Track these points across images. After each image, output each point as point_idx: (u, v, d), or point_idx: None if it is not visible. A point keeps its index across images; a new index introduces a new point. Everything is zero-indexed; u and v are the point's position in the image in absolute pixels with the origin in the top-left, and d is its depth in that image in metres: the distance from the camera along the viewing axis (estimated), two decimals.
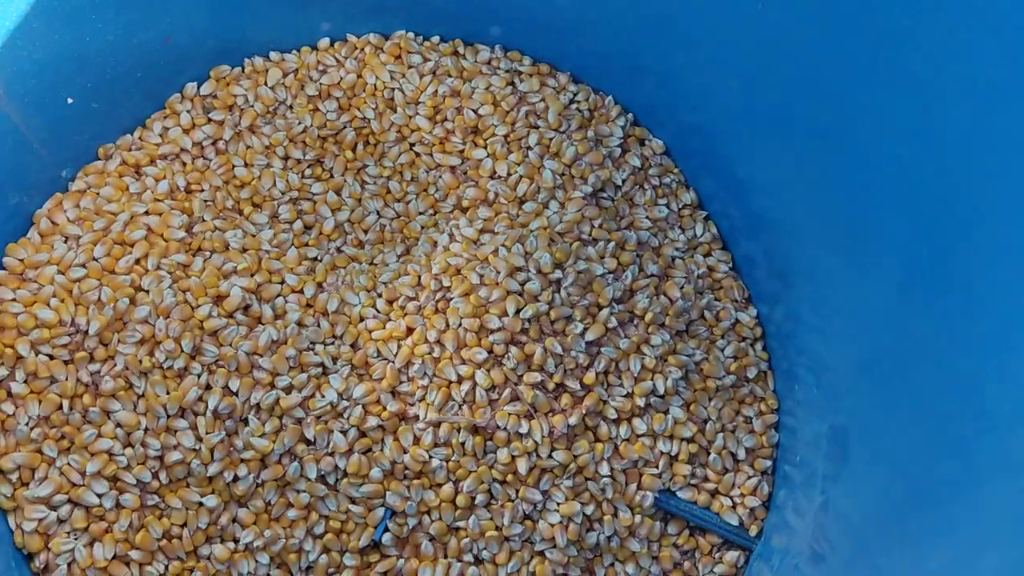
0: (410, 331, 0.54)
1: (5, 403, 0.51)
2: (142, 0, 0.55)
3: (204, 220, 0.57)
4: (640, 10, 0.56)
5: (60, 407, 0.51)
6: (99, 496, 0.50)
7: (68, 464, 0.50)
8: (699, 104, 0.58)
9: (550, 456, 0.52)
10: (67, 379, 0.51)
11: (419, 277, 0.56)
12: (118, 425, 0.51)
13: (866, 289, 0.47)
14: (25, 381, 0.51)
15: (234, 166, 0.59)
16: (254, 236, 0.57)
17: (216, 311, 0.53)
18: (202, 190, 0.58)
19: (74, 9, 0.53)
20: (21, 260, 0.54)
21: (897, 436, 0.44)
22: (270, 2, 0.60)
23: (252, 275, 0.55)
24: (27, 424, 0.50)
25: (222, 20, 0.59)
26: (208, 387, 0.51)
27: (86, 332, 0.51)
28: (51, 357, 0.51)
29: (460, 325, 0.53)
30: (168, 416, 0.51)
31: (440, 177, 0.60)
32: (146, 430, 0.51)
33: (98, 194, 0.57)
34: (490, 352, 0.53)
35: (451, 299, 0.54)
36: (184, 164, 0.59)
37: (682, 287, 0.57)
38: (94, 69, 0.56)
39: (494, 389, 0.53)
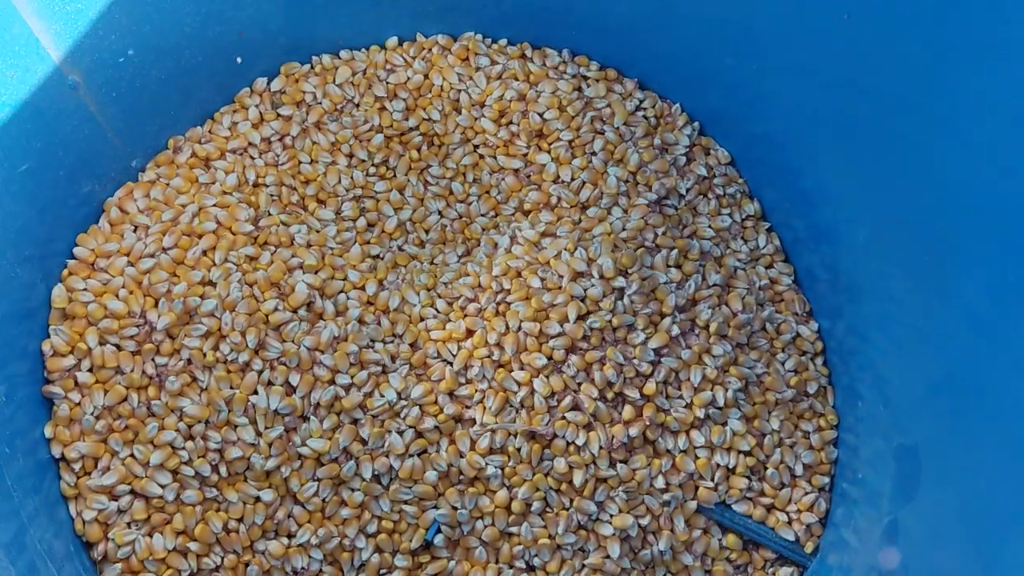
0: (470, 333, 0.54)
1: (72, 392, 0.51)
2: None
3: (270, 214, 0.57)
4: (709, 18, 0.55)
5: (125, 398, 0.51)
6: (162, 487, 0.50)
7: (132, 455, 0.50)
8: (766, 114, 0.57)
9: (608, 468, 0.52)
10: (133, 370, 0.51)
11: (479, 278, 0.55)
12: (180, 418, 0.51)
13: (941, 307, 0.46)
14: (91, 370, 0.51)
15: (300, 162, 0.59)
16: (318, 232, 0.57)
17: (282, 305, 0.53)
18: (268, 185, 0.58)
19: (155, 4, 0.53)
20: (92, 249, 0.54)
21: (972, 460, 0.43)
22: (341, 0, 0.60)
23: (316, 271, 0.55)
24: (92, 414, 0.50)
25: (294, 17, 0.59)
26: (270, 383, 0.52)
27: (154, 325, 0.52)
28: (118, 348, 0.52)
29: (520, 329, 0.53)
30: (229, 411, 0.51)
31: (503, 180, 0.60)
32: (207, 423, 0.51)
33: (168, 184, 0.57)
34: (550, 358, 0.52)
35: (511, 302, 0.54)
36: (252, 158, 0.59)
37: (744, 298, 0.56)
38: (169, 61, 0.56)
39: (553, 396, 0.52)
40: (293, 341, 0.52)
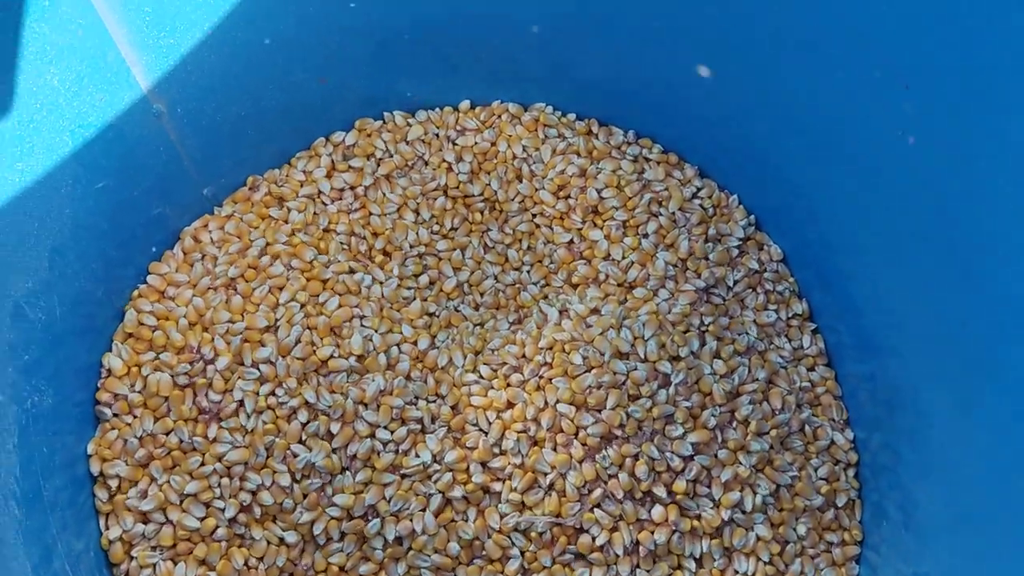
0: (510, 404, 0.53)
1: (125, 414, 0.52)
2: (305, 41, 0.57)
3: (338, 261, 0.58)
4: (776, 115, 0.55)
5: (172, 429, 0.51)
6: (198, 519, 0.50)
7: (169, 483, 0.51)
8: (823, 217, 0.56)
9: (630, 573, 0.50)
10: (184, 403, 0.52)
11: (525, 348, 0.55)
12: (219, 459, 0.51)
13: (975, 436, 0.45)
14: (142, 393, 0.52)
15: (371, 213, 0.60)
16: (381, 283, 0.57)
17: (337, 352, 0.54)
18: (339, 232, 0.59)
19: (244, 43, 0.55)
20: (163, 275, 0.56)
21: None
22: (421, 60, 0.61)
23: (376, 325, 0.55)
24: (137, 436, 0.51)
25: (375, 69, 0.61)
26: (315, 435, 0.52)
27: (211, 360, 0.53)
28: (173, 378, 0.52)
29: (557, 407, 0.52)
30: (270, 456, 0.51)
31: (555, 251, 0.60)
32: (247, 464, 0.51)
33: (241, 219, 0.59)
34: (584, 444, 0.51)
35: (552, 378, 0.53)
36: (324, 204, 0.60)
37: (785, 396, 0.55)
38: (250, 99, 0.58)
39: (585, 485, 0.51)
40: (342, 393, 0.52)
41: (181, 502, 0.51)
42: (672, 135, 0.62)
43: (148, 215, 0.57)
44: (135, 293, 0.55)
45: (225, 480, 0.51)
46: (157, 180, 0.56)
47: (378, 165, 0.61)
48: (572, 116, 0.63)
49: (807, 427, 0.55)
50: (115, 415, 0.52)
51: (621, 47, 0.59)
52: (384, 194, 0.61)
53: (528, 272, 0.60)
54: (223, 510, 0.50)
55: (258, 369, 0.52)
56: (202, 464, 0.51)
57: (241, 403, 0.52)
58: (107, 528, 0.51)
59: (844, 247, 0.56)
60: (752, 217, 0.60)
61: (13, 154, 0.46)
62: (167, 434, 0.51)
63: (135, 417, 0.52)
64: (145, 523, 0.50)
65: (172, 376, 0.52)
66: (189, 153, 0.57)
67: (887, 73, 0.47)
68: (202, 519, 0.50)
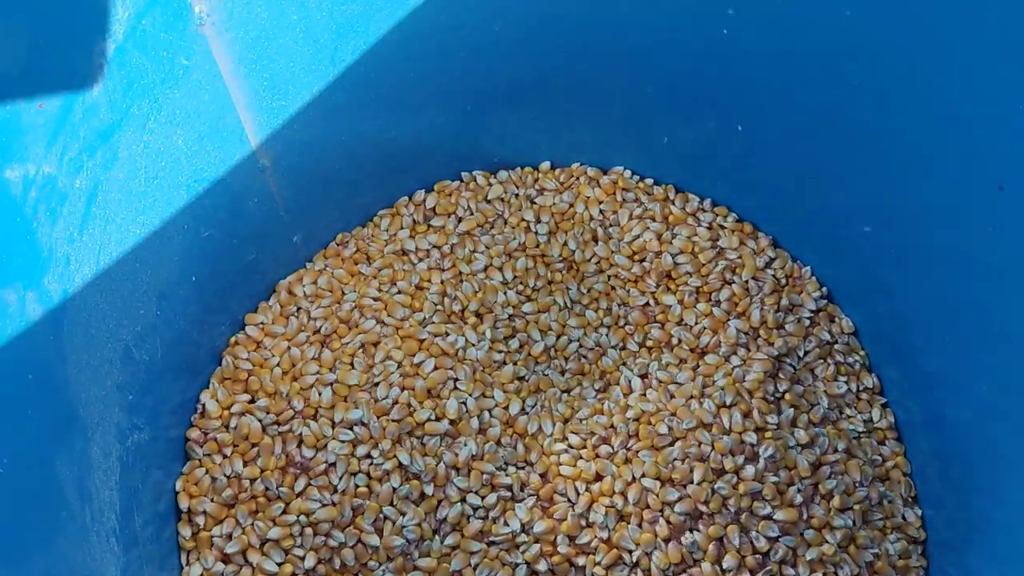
0: (599, 477, 0.53)
1: (215, 453, 0.54)
2: (400, 102, 0.60)
3: (434, 322, 0.59)
4: (852, 188, 0.56)
5: (260, 475, 0.53)
6: (276, 564, 0.51)
7: (252, 526, 0.52)
8: (896, 292, 0.57)
9: None
10: (273, 451, 0.53)
11: (613, 418, 0.56)
12: (307, 515, 0.52)
13: None
14: (231, 432, 0.54)
15: (461, 273, 0.61)
16: (474, 346, 0.58)
17: (434, 415, 0.55)
18: (431, 292, 0.60)
19: (346, 104, 0.58)
20: (259, 326, 0.58)
21: None
22: (508, 121, 0.63)
23: (470, 389, 0.56)
24: (226, 475, 0.53)
25: (463, 129, 0.63)
26: (407, 498, 0.52)
27: (300, 411, 0.54)
28: (264, 427, 0.54)
29: (643, 481, 0.52)
30: (357, 515, 0.52)
31: (630, 312, 0.61)
32: (332, 522, 0.52)
33: (332, 274, 0.61)
34: (670, 523, 0.51)
35: (638, 450, 0.54)
36: (413, 264, 0.62)
37: (862, 467, 0.55)
38: (345, 154, 0.60)
39: (669, 568, 0.51)
40: (435, 456, 0.53)
41: (261, 546, 0.52)
42: (747, 204, 0.64)
43: (244, 261, 0.59)
44: (232, 340, 0.58)
45: (308, 530, 0.52)
46: (254, 228, 0.59)
47: (459, 222, 0.63)
48: (650, 181, 0.65)
49: (886, 502, 0.55)
50: (206, 454, 0.54)
51: (699, 116, 0.60)
52: (471, 252, 0.62)
53: (607, 334, 0.61)
54: (302, 558, 0.51)
55: (352, 431, 0.54)
56: (285, 511, 0.52)
57: (333, 464, 0.53)
58: (188, 564, 0.52)
59: (919, 324, 0.56)
60: (824, 289, 0.62)
61: (137, 208, 0.48)
62: (253, 481, 0.53)
63: (224, 457, 0.54)
64: (226, 563, 0.52)
65: (262, 423, 0.54)
66: (285, 203, 0.60)
67: (972, 166, 0.48)
68: (280, 564, 0.51)
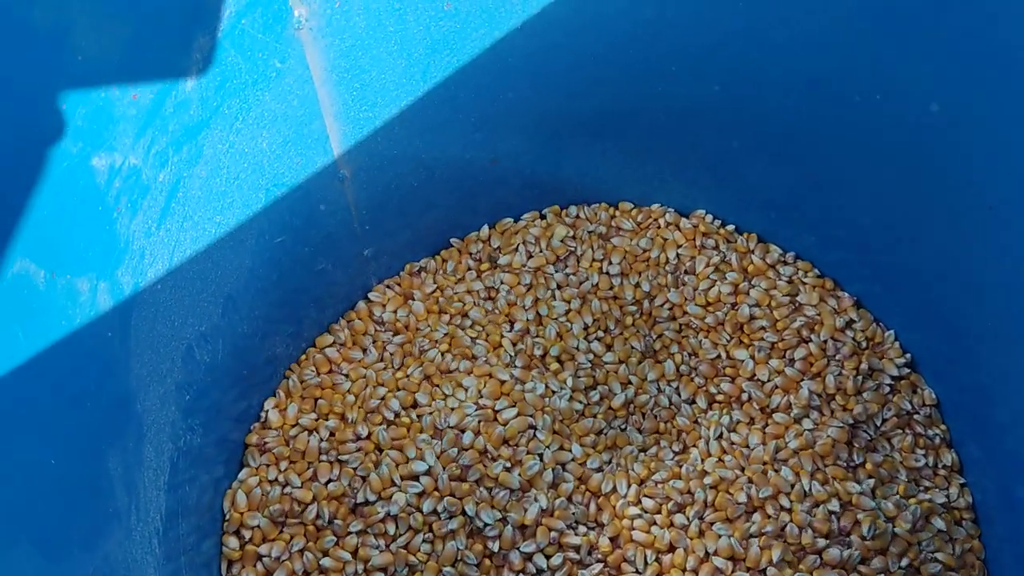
0: (672, 548, 0.50)
1: (272, 465, 0.52)
2: (484, 124, 0.58)
3: (516, 367, 0.56)
4: (945, 254, 0.53)
5: (312, 500, 0.51)
6: None
7: (302, 551, 0.50)
8: (983, 365, 0.53)
9: None
10: (331, 480, 0.51)
11: (689, 483, 0.52)
12: (364, 561, 0.50)
13: None
14: (288, 445, 0.52)
15: (540, 315, 0.59)
16: (554, 394, 0.55)
17: (515, 470, 0.52)
18: (512, 332, 0.58)
19: (430, 120, 0.56)
20: (329, 349, 0.57)
21: None
22: (591, 152, 0.61)
23: (548, 441, 0.53)
24: (280, 490, 0.51)
25: (544, 156, 0.61)
26: (466, 561, 0.50)
27: (366, 437, 0.53)
28: (321, 449, 0.52)
29: (715, 561, 0.49)
30: (414, 572, 0.50)
31: (700, 364, 0.58)
32: (386, 571, 0.50)
33: (411, 306, 0.59)
34: None
35: (713, 522, 0.51)
36: (492, 300, 0.60)
37: (952, 553, 0.51)
38: (424, 171, 0.59)
39: None
40: (503, 510, 0.51)
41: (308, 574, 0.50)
42: (831, 259, 0.61)
43: (312, 270, 0.58)
44: (303, 357, 0.56)
45: (360, 567, 0.50)
46: (326, 238, 0.57)
47: (529, 258, 0.61)
48: (732, 227, 0.63)
49: None
50: (265, 464, 0.52)
51: (789, 164, 0.58)
52: (550, 291, 0.60)
53: (679, 388, 0.57)
54: None
55: (419, 481, 0.51)
56: (337, 545, 0.50)
57: (396, 515, 0.50)
58: (229, 574, 0.50)
59: (1007, 400, 0.53)
60: (908, 356, 0.58)
61: (215, 207, 0.47)
62: (306, 506, 0.51)
63: (281, 471, 0.52)
64: None
65: (321, 445, 0.52)
66: (360, 215, 0.59)
67: None
68: None
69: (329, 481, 0.51)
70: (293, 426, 0.53)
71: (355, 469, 0.52)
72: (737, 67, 0.55)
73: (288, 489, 0.51)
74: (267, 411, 0.54)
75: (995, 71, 0.46)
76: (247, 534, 0.51)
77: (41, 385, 0.37)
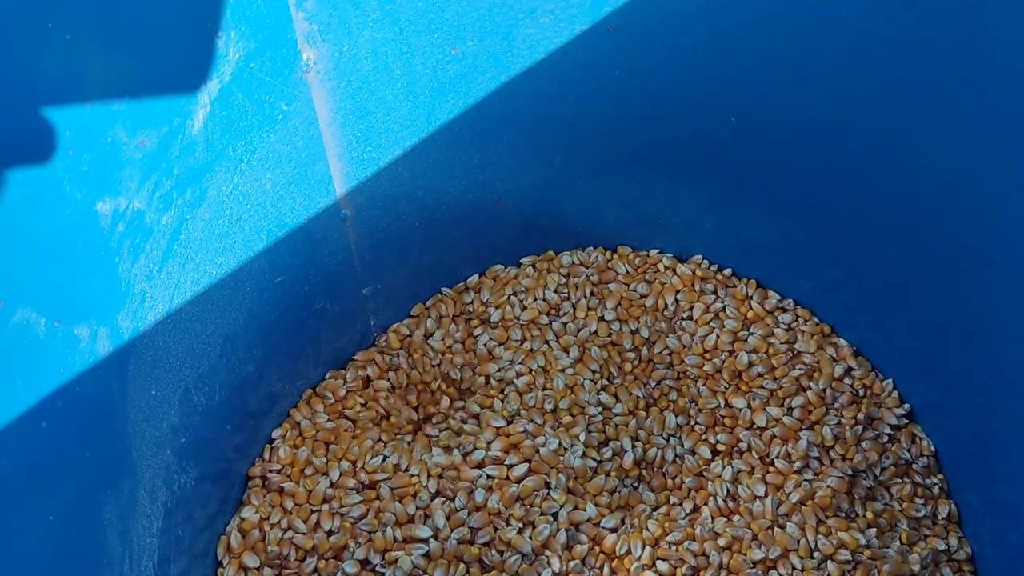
0: None
1: (276, 507, 0.51)
2: (486, 166, 0.58)
3: (533, 422, 0.55)
4: (945, 303, 0.53)
5: (312, 549, 0.50)
6: None
7: None
8: (981, 415, 0.53)
9: None
10: (332, 528, 0.51)
11: (704, 545, 0.51)
12: None
13: None
14: (292, 481, 0.52)
15: (549, 361, 0.58)
16: (566, 451, 0.54)
17: (527, 532, 0.50)
18: (517, 384, 0.57)
19: (434, 161, 0.56)
20: (331, 395, 0.57)
21: None
22: (591, 194, 0.61)
23: (562, 500, 0.52)
24: (280, 536, 0.50)
25: (544, 198, 0.61)
26: None
27: (369, 486, 0.52)
28: (325, 498, 0.52)
29: None
30: None
31: (700, 412, 0.57)
32: None
33: (410, 354, 0.59)
34: None
35: None
36: (498, 351, 0.59)
37: None
38: (425, 212, 0.58)
39: None
40: (516, 574, 0.49)
41: None
42: (829, 305, 0.60)
43: (311, 309, 0.57)
44: (306, 394, 0.56)
45: None
46: (326, 277, 0.57)
47: (523, 310, 0.60)
48: (729, 271, 0.62)
49: None
50: (270, 505, 0.52)
51: (789, 209, 0.58)
52: (552, 341, 0.59)
53: (681, 439, 0.56)
54: None
55: (427, 544, 0.50)
56: None
57: None
58: None
59: (1007, 452, 0.52)
60: (908, 406, 0.58)
61: (217, 249, 0.46)
62: (304, 555, 0.50)
63: (286, 513, 0.51)
64: None
65: (325, 491, 0.52)
66: (360, 255, 0.58)
67: None
68: None
69: (331, 533, 0.50)
70: (294, 465, 0.53)
71: (355, 522, 0.51)
72: (740, 116, 0.55)
73: (288, 533, 0.50)
74: (276, 443, 0.53)
75: (998, 126, 0.46)
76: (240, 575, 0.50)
77: (39, 437, 0.36)
